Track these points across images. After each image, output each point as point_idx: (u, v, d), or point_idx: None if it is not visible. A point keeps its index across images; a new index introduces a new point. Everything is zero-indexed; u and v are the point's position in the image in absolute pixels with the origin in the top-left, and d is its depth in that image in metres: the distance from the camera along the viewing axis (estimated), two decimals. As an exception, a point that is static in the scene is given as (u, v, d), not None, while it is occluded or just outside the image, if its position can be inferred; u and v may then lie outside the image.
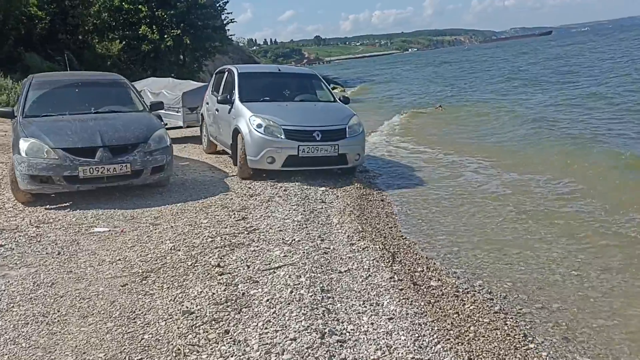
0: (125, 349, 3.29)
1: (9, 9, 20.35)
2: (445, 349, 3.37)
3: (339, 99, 9.24)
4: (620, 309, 4.09)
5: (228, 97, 8.62)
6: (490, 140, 12.44)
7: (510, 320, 3.85)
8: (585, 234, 5.72)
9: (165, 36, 26.01)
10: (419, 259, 5.08)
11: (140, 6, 25.64)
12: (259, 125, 7.62)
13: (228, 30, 35.08)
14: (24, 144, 6.35)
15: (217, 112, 9.43)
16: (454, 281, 4.56)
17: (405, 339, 3.43)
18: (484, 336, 3.58)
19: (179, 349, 3.28)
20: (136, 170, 6.68)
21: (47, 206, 6.49)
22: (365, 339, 3.43)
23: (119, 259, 4.80)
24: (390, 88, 34.71)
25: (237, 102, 8.37)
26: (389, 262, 4.80)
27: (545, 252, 5.32)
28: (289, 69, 11.62)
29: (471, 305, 4.07)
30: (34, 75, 8.00)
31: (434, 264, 4.99)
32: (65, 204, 6.57)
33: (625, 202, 6.65)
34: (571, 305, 4.17)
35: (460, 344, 3.46)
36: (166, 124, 10.57)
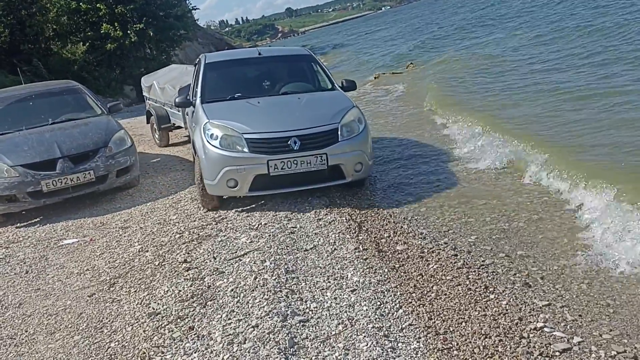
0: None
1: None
2: (406, 312, 3.40)
3: (341, 84, 6.86)
4: (580, 247, 4.13)
5: (187, 96, 6.86)
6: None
7: (473, 274, 3.87)
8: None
9: (129, 32, 25.54)
10: (386, 224, 5.08)
11: (98, 5, 25.05)
12: (213, 136, 5.56)
13: (194, 14, 34.57)
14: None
15: (188, 117, 7.74)
16: (419, 242, 4.57)
17: (367, 309, 3.46)
18: (445, 294, 3.61)
19: (144, 353, 3.30)
20: (100, 175, 6.64)
21: (18, 224, 6.45)
22: (328, 314, 3.45)
23: (87, 269, 4.79)
24: (363, 50, 34.34)
25: (197, 103, 6.36)
26: (355, 232, 4.81)
27: (511, 199, 5.34)
28: (274, 50, 8.21)
29: (435, 264, 4.09)
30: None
31: (401, 227, 4.99)
32: (36, 220, 6.53)
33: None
34: (535, 251, 4.20)
35: (421, 305, 3.48)
36: (173, 124, 10.26)
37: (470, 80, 12.93)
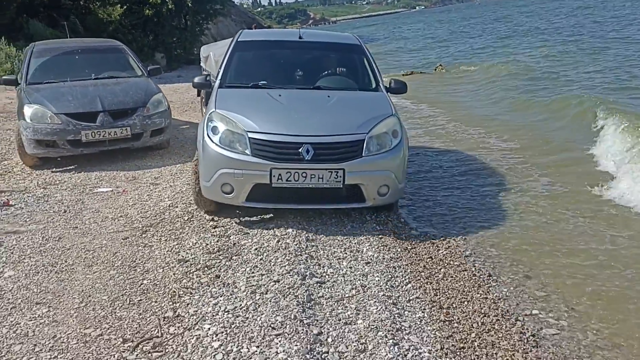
0: (126, 292, 3.66)
1: (10, -25, 20.37)
2: (414, 287, 3.72)
3: (388, 84, 5.68)
4: (580, 251, 4.42)
5: (208, 77, 5.87)
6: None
7: (479, 262, 4.19)
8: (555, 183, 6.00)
9: (167, -1, 25.92)
10: (401, 214, 5.39)
11: (139, -31, 25.47)
12: (214, 130, 4.75)
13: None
14: (28, 110, 6.66)
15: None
16: (432, 230, 4.89)
17: (379, 280, 3.78)
18: (452, 276, 3.92)
19: (174, 292, 3.65)
20: (136, 133, 7.01)
21: (54, 169, 6.84)
22: (343, 280, 3.78)
23: (121, 216, 5.15)
24: (393, 47, 34.44)
25: (215, 86, 5.54)
26: (374, 214, 5.12)
27: (518, 199, 5.64)
28: (318, 35, 7.04)
29: (445, 250, 4.40)
30: (35, 43, 8.23)
31: (417, 215, 5.31)
32: (71, 167, 6.91)
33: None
34: (538, 247, 4.50)
35: (429, 283, 3.80)
36: None
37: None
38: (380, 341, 2.97)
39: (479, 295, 3.65)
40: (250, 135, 4.56)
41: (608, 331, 3.29)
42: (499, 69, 16.34)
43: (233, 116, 4.77)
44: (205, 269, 3.96)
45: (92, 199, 5.68)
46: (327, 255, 4.18)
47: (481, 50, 23.88)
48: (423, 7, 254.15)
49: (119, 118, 6.91)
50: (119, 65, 8.24)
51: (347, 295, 3.56)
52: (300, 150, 4.44)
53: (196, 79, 5.74)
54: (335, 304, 3.43)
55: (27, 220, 5.08)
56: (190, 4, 26.20)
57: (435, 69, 19.36)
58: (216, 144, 4.65)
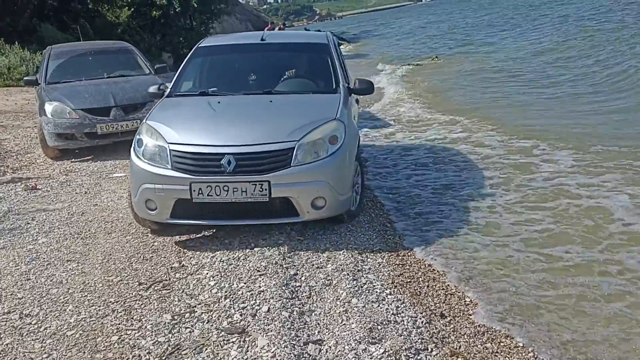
0: (140, 251, 4.43)
1: (22, -18, 21.29)
2: (379, 243, 4.45)
3: (353, 85, 5.35)
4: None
5: (159, 87, 5.58)
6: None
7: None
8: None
9: (173, 1, 26.79)
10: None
11: (146, -28, 26.37)
12: (139, 143, 4.56)
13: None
14: (49, 107, 7.47)
15: None
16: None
17: (350, 238, 4.52)
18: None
19: (180, 249, 4.41)
20: (146, 125, 7.80)
21: (72, 160, 7.65)
22: (320, 238, 4.52)
23: (134, 195, 5.93)
24: (394, 41, 35.05)
25: (164, 96, 5.43)
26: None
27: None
28: (283, 36, 7.09)
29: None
30: (52, 47, 9.07)
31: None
32: (88, 157, 7.72)
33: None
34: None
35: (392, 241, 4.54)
36: None
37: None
38: (342, 278, 3.72)
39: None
40: (172, 147, 4.28)
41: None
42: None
43: (159, 127, 4.50)
44: (207, 231, 4.72)
45: (108, 183, 6.47)
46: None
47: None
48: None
49: (130, 112, 7.70)
50: (128, 65, 9.05)
51: (321, 248, 4.30)
52: (221, 161, 4.12)
53: (151, 89, 5.56)
54: (311, 254, 4.17)
55: (54, 200, 5.87)
56: (195, 5, 27.03)
57: (432, 59, 20.05)
58: (139, 158, 4.44)
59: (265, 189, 4.08)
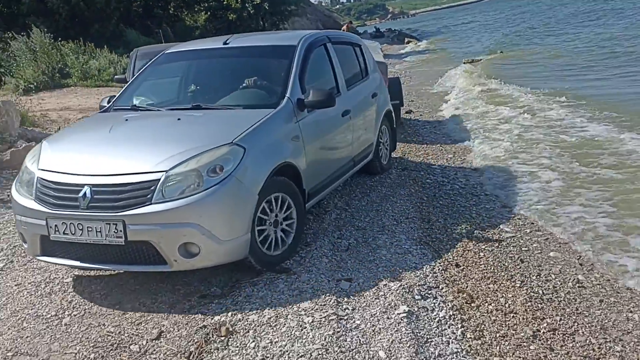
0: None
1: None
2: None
3: (308, 95, 4.29)
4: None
5: (109, 100, 4.91)
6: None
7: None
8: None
9: (247, 4, 28.21)
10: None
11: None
12: (23, 169, 3.92)
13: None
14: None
15: None
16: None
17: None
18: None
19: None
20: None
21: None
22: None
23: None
24: (464, 38, 34.82)
25: (96, 112, 5.02)
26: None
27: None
28: (250, 39, 5.68)
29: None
30: (138, 48, 10.21)
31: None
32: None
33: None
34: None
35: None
36: None
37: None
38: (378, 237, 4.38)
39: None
40: (39, 174, 3.65)
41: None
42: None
43: (45, 149, 3.88)
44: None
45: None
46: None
47: None
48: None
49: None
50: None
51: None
52: (80, 193, 3.39)
53: (102, 102, 4.96)
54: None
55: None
56: (267, 7, 28.33)
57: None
58: (15, 184, 3.88)
59: (120, 230, 3.28)
